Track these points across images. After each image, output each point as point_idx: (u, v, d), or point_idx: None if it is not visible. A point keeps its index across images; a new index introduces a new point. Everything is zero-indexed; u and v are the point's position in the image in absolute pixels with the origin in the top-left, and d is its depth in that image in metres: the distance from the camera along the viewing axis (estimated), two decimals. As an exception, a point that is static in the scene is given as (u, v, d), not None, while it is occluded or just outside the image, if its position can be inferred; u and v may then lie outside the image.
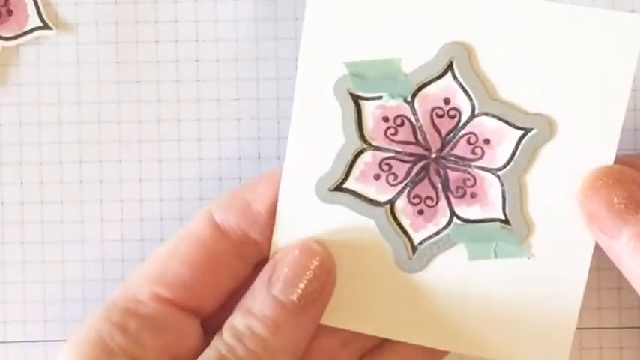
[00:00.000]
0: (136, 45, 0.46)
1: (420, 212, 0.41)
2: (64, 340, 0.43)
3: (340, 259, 0.41)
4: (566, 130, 0.40)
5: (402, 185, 0.41)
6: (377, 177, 0.41)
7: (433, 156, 0.41)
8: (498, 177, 0.41)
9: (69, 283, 0.46)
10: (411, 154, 0.41)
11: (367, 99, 0.41)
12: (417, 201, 0.41)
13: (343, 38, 0.40)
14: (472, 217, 0.41)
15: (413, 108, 0.41)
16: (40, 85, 0.46)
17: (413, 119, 0.41)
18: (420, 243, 0.41)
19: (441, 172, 0.41)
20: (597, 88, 0.40)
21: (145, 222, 0.46)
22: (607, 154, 0.40)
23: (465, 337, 0.41)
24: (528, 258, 0.41)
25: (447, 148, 0.41)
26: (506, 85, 0.40)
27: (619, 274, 0.40)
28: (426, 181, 0.41)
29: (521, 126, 0.40)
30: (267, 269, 0.41)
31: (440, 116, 0.41)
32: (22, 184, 0.46)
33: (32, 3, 0.46)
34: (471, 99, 0.40)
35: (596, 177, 0.40)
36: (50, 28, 0.46)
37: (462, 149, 0.41)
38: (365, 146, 0.41)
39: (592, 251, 0.40)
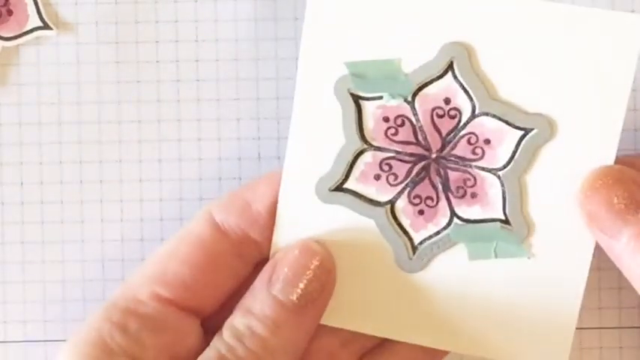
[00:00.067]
0: (136, 45, 0.46)
1: (421, 212, 0.41)
2: (64, 340, 0.43)
3: (340, 259, 0.41)
4: (566, 130, 0.40)
5: (403, 185, 0.41)
6: (377, 177, 0.41)
7: (433, 156, 0.41)
8: (499, 177, 0.41)
9: (69, 283, 0.46)
10: (411, 154, 0.41)
11: (367, 99, 0.41)
12: (417, 201, 0.41)
13: (343, 38, 0.40)
14: (472, 217, 0.41)
15: (413, 108, 0.41)
16: (40, 85, 0.46)
17: (413, 119, 0.41)
18: (420, 243, 0.41)
19: (442, 172, 0.41)
20: (597, 88, 0.40)
21: (145, 222, 0.46)
22: (607, 154, 0.40)
23: (465, 337, 0.41)
24: (528, 258, 0.41)
25: (448, 148, 0.41)
26: (507, 85, 0.40)
27: (619, 274, 0.40)
28: (427, 181, 0.41)
29: (522, 126, 0.40)
30: (267, 269, 0.41)
31: (440, 116, 0.41)
32: (22, 184, 0.46)
33: (32, 3, 0.45)
34: (471, 99, 0.40)
35: (596, 177, 0.40)
36: (50, 28, 0.46)
37: (462, 149, 0.41)
38: (365, 146, 0.41)
39: (592, 251, 0.40)
